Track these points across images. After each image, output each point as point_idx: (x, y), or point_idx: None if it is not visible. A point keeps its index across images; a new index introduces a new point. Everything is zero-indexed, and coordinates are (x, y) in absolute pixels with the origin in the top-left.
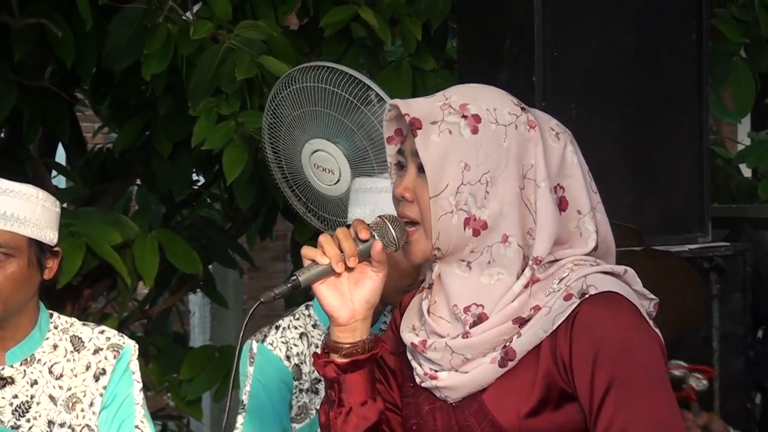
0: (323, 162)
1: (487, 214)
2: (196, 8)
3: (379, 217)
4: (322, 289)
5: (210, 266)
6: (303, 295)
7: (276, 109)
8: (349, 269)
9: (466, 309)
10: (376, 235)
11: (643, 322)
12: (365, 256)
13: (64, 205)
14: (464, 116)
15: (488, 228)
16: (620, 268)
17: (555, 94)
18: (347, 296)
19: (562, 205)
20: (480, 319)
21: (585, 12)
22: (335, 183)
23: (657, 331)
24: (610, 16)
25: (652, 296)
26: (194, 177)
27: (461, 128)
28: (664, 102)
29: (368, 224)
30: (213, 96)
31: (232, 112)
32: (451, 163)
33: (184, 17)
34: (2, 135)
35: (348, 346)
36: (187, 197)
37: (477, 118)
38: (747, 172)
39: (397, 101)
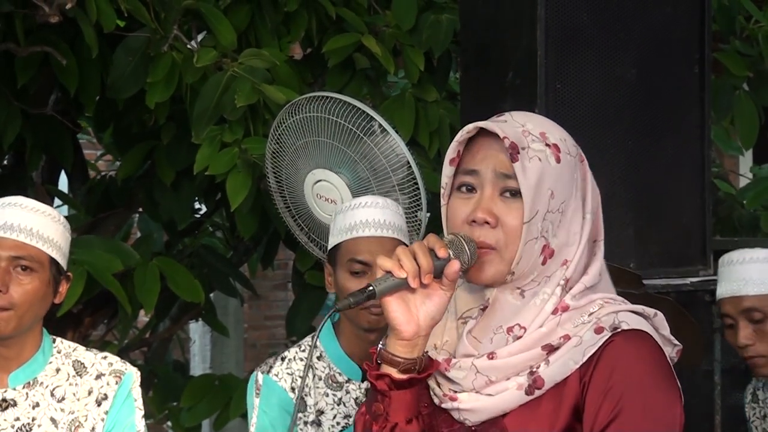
0: (326, 192)
1: (556, 243)
2: (200, 37)
3: (453, 234)
4: (390, 301)
5: (211, 294)
6: (306, 328)
7: (280, 137)
8: (423, 286)
9: (509, 329)
10: (451, 254)
11: (664, 365)
12: (437, 273)
13: None
14: (547, 145)
15: (553, 257)
16: (651, 311)
17: None
18: (414, 311)
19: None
20: (518, 339)
21: (587, 44)
22: None
23: (676, 377)
24: (612, 49)
25: (677, 343)
26: (197, 206)
27: (548, 156)
28: (666, 135)
29: (444, 242)
30: (216, 124)
31: (235, 139)
32: (542, 189)
33: (188, 46)
34: (6, 162)
35: (405, 361)
36: (189, 226)
37: (557, 148)
38: None
39: (486, 124)
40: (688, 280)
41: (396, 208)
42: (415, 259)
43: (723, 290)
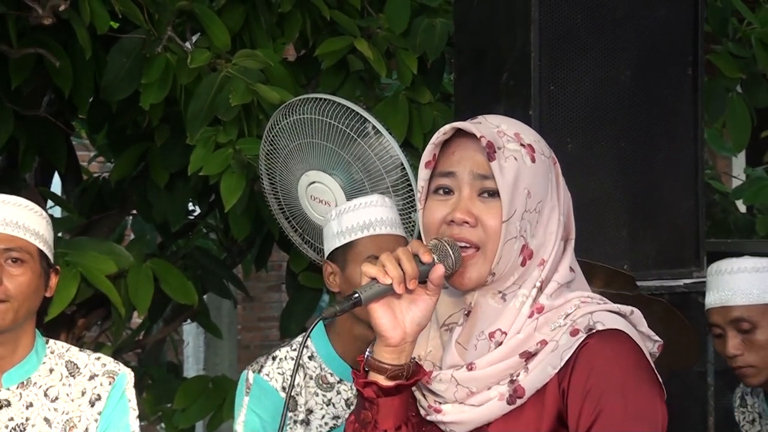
0: (320, 194)
1: (534, 244)
2: (194, 38)
3: (437, 239)
4: (376, 307)
5: (204, 296)
6: (299, 329)
7: (274, 139)
8: (408, 291)
9: (491, 335)
10: (436, 259)
11: (643, 363)
12: (422, 279)
13: (59, 234)
14: (522, 145)
15: (532, 258)
16: (627, 309)
17: (551, 129)
18: (399, 317)
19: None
20: (499, 344)
21: (581, 47)
22: None
23: (656, 373)
24: (606, 51)
25: (657, 338)
26: (190, 207)
27: (523, 156)
28: (659, 137)
29: (429, 246)
30: (210, 126)
31: (230, 140)
32: (519, 189)
33: (183, 47)
34: None
35: (392, 367)
36: (182, 227)
37: (532, 149)
38: (743, 206)
39: (462, 124)
40: (682, 282)
41: (396, 207)
42: (400, 265)
43: (711, 300)
